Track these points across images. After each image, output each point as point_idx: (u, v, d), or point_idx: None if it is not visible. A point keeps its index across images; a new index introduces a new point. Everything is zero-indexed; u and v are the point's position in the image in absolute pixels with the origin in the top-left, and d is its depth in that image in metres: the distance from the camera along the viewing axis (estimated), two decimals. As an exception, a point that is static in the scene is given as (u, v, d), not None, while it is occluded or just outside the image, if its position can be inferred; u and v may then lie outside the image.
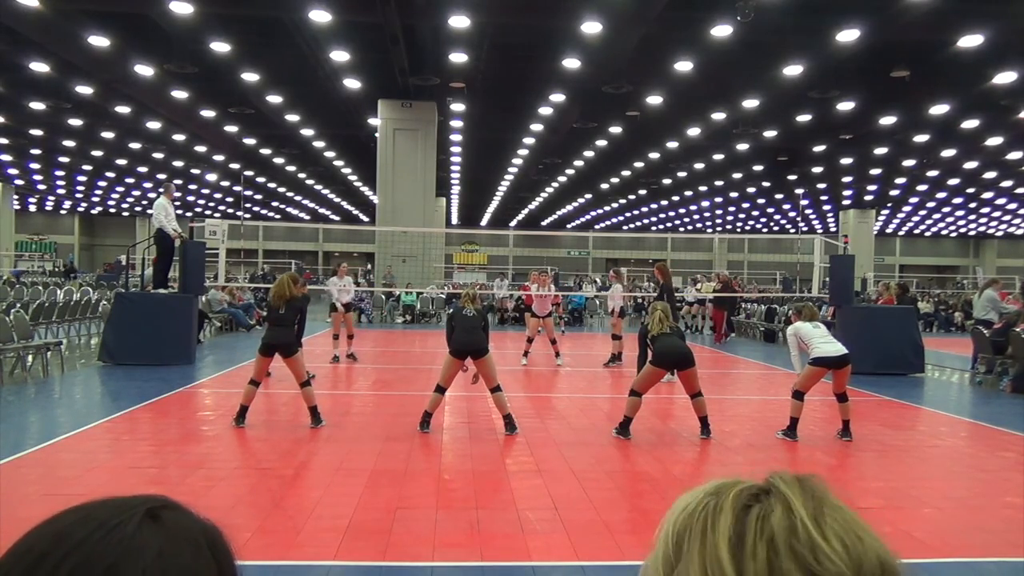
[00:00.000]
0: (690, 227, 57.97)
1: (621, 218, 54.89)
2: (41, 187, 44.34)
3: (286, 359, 7.58)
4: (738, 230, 59.16)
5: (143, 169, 35.92)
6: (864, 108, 21.28)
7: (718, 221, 55.30)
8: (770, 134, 25.43)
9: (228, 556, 0.65)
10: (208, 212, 50.82)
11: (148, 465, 6.07)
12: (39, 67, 18.62)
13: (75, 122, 25.52)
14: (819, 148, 27.92)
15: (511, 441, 7.20)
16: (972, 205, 44.17)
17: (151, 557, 0.59)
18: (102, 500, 0.64)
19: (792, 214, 48.17)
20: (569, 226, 57.45)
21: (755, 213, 52.00)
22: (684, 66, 17.49)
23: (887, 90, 19.10)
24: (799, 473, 0.65)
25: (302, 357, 7.75)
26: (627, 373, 12.51)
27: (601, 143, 27.63)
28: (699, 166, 32.28)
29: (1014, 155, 28.36)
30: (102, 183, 41.61)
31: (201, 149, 30.71)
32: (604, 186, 38.68)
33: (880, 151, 28.13)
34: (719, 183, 37.06)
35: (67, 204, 53.62)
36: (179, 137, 28.03)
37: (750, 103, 20.87)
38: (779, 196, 42.22)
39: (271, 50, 17.81)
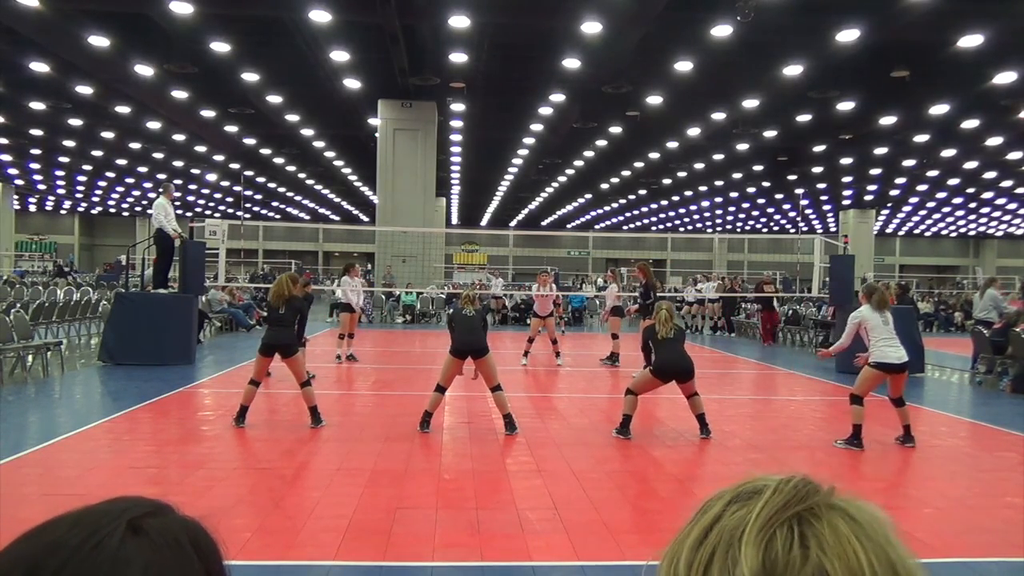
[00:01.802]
0: (690, 227, 57.97)
1: (621, 218, 54.88)
2: (41, 187, 44.33)
3: (286, 359, 7.59)
4: (738, 230, 59.16)
5: (143, 169, 35.91)
6: (864, 108, 21.27)
7: (718, 221, 55.28)
8: (770, 134, 25.42)
9: (214, 555, 0.65)
10: (208, 212, 50.82)
11: (148, 465, 6.07)
12: (39, 67, 18.62)
13: (75, 122, 25.52)
14: (819, 148, 27.91)
15: (511, 441, 7.20)
16: (972, 205, 44.16)
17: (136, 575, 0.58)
18: (77, 514, 0.62)
19: (792, 214, 48.18)
20: (569, 226, 57.44)
21: (755, 213, 52.00)
22: (684, 66, 17.49)
23: (887, 90, 19.09)
24: (852, 497, 0.59)
25: (302, 357, 7.75)
26: (623, 373, 12.51)
27: (601, 143, 27.62)
28: (699, 166, 32.27)
29: (1014, 155, 28.35)
30: (102, 183, 41.60)
31: (201, 149, 30.71)
32: (604, 186, 38.68)
33: (880, 151, 28.12)
34: (719, 183, 37.05)
35: (67, 204, 53.62)
36: (179, 137, 28.03)
37: (750, 103, 20.87)
38: (779, 196, 42.21)
39: (271, 50, 17.80)
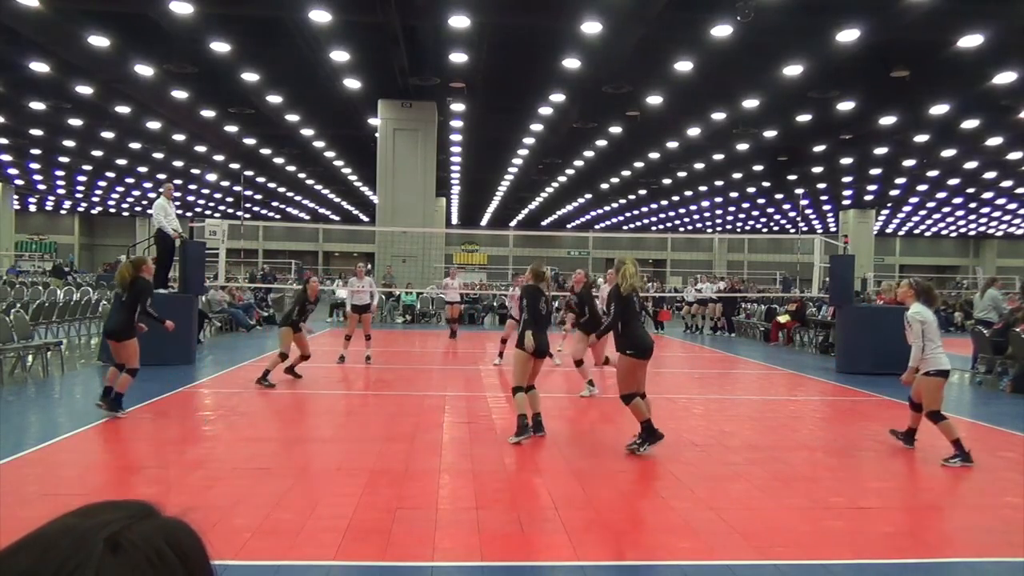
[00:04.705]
0: (690, 227, 57.98)
1: (621, 218, 54.89)
2: (41, 187, 44.35)
3: (116, 345, 7.67)
4: (738, 230, 59.18)
5: (143, 169, 35.94)
6: (864, 108, 21.28)
7: (718, 221, 55.30)
8: (770, 134, 25.43)
9: (199, 557, 0.64)
10: (208, 212, 50.83)
11: (148, 465, 6.07)
12: (39, 67, 18.62)
13: (75, 122, 25.53)
14: (819, 148, 27.92)
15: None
16: (972, 205, 44.19)
17: None
18: (57, 530, 0.61)
19: (792, 214, 48.19)
20: (569, 226, 57.45)
21: (755, 213, 52.02)
22: (684, 66, 17.49)
23: (887, 90, 19.10)
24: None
25: (135, 344, 7.73)
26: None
27: (601, 143, 27.63)
28: (699, 166, 32.28)
29: (1014, 155, 28.37)
30: (102, 183, 41.63)
31: (201, 149, 30.72)
32: (604, 186, 38.69)
33: (880, 151, 28.13)
34: (719, 183, 37.07)
35: (67, 204, 53.63)
36: (179, 137, 28.04)
37: (750, 103, 20.87)
38: (779, 196, 42.23)
39: (271, 50, 17.81)
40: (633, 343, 6.48)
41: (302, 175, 38.15)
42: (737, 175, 34.56)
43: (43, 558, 0.58)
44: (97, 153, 31.77)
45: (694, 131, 25.00)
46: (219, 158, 32.79)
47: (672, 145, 27.77)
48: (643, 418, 6.46)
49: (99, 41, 16.53)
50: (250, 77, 19.67)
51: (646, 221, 56.00)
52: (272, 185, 41.61)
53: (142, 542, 0.60)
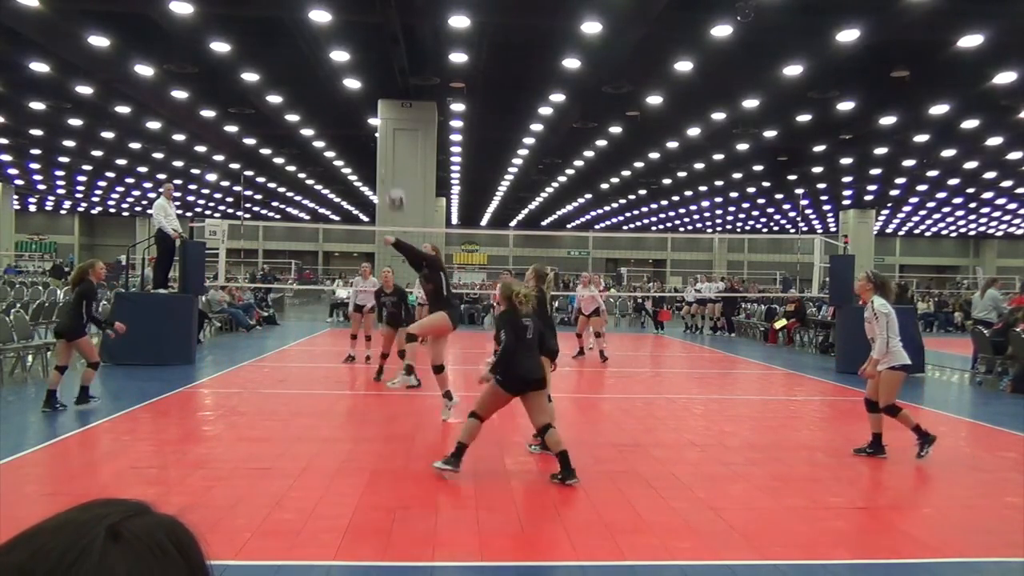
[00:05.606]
0: (690, 227, 57.98)
1: (621, 218, 54.87)
2: (41, 187, 44.32)
3: (70, 344, 8.00)
4: (738, 230, 59.17)
5: (143, 169, 35.91)
6: (864, 108, 21.27)
7: (718, 221, 55.29)
8: (770, 134, 25.41)
9: (197, 553, 0.64)
10: (208, 212, 50.81)
11: (148, 465, 6.07)
12: (39, 67, 18.62)
13: (75, 122, 25.52)
14: (819, 148, 27.90)
15: (511, 441, 7.19)
16: (972, 205, 44.16)
17: None
18: (56, 523, 0.60)
19: (792, 214, 48.17)
20: (569, 226, 57.43)
21: (755, 213, 51.99)
22: (684, 66, 17.48)
23: (887, 90, 19.09)
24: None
25: (87, 340, 8.13)
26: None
27: (601, 143, 27.61)
28: (699, 166, 32.27)
29: (1014, 155, 28.35)
30: (102, 183, 41.60)
31: (201, 149, 30.72)
32: (604, 186, 38.68)
33: (880, 151, 28.12)
34: (719, 183, 37.04)
35: (67, 204, 53.60)
36: (179, 137, 28.03)
37: (750, 103, 20.86)
38: (779, 196, 42.22)
39: (271, 50, 17.80)
40: (511, 375, 5.61)
41: (302, 175, 38.14)
42: (737, 175, 34.54)
43: (43, 550, 0.58)
44: (97, 153, 31.75)
45: (694, 131, 24.97)
46: (219, 158, 32.77)
47: (672, 145, 27.75)
48: (465, 440, 5.77)
49: (99, 41, 16.52)
50: (250, 77, 19.66)
51: (646, 221, 55.96)
52: (272, 185, 41.59)
53: (143, 534, 0.61)
